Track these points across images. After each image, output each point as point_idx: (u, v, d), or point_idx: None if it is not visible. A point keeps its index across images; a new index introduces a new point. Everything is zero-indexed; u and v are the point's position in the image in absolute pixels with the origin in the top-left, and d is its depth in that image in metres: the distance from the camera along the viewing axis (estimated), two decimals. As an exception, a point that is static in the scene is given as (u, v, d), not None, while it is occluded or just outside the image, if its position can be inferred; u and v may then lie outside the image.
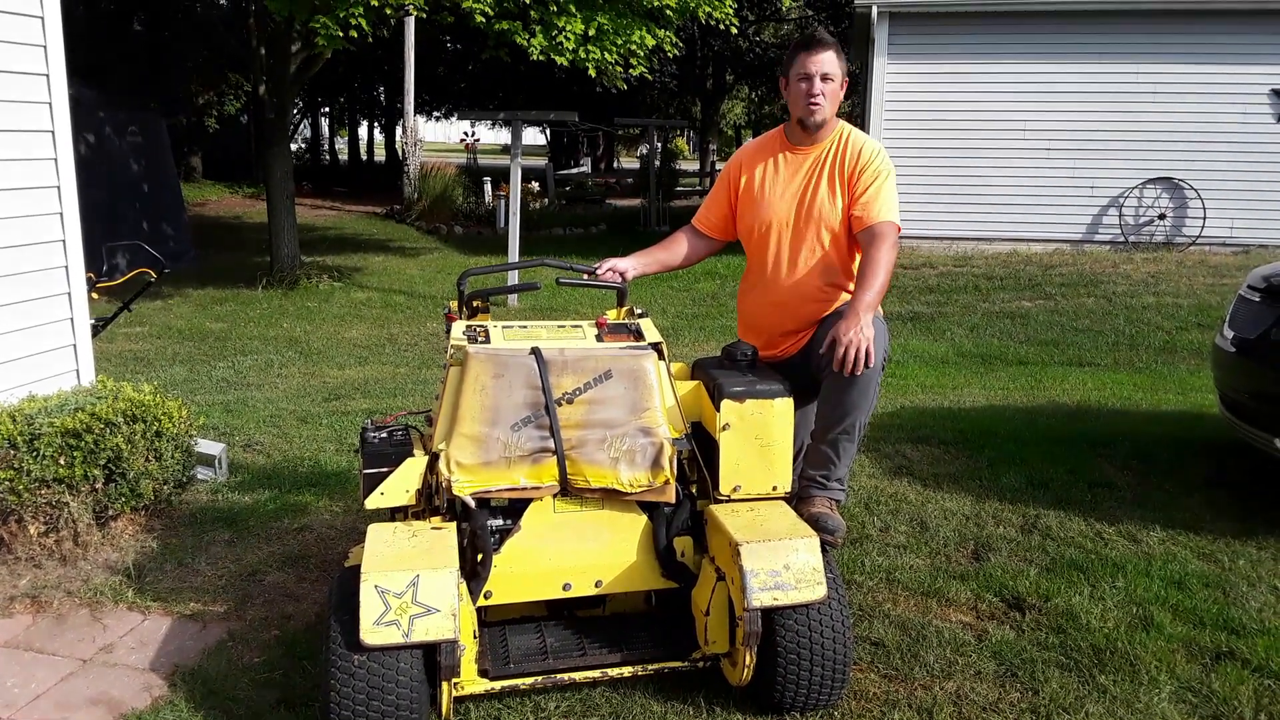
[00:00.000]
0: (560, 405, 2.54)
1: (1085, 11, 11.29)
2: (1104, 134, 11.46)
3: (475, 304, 3.06)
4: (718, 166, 28.45)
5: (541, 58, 10.21)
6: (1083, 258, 11.19)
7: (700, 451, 2.75)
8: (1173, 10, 11.11)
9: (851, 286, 3.05)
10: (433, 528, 2.49)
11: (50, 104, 4.10)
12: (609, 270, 3.13)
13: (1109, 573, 3.44)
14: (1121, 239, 11.64)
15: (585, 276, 3.17)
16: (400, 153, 21.34)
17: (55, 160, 4.14)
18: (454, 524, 2.51)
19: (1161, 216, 11.56)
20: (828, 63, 2.95)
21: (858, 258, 3.07)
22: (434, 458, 2.54)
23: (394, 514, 2.70)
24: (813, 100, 2.95)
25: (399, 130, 24.59)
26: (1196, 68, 11.18)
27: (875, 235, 2.93)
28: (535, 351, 2.60)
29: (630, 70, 11.08)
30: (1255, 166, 11.22)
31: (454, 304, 3.05)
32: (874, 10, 11.36)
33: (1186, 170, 11.38)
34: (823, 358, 2.85)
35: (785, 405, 2.69)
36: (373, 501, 2.56)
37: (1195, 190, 11.38)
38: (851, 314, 2.77)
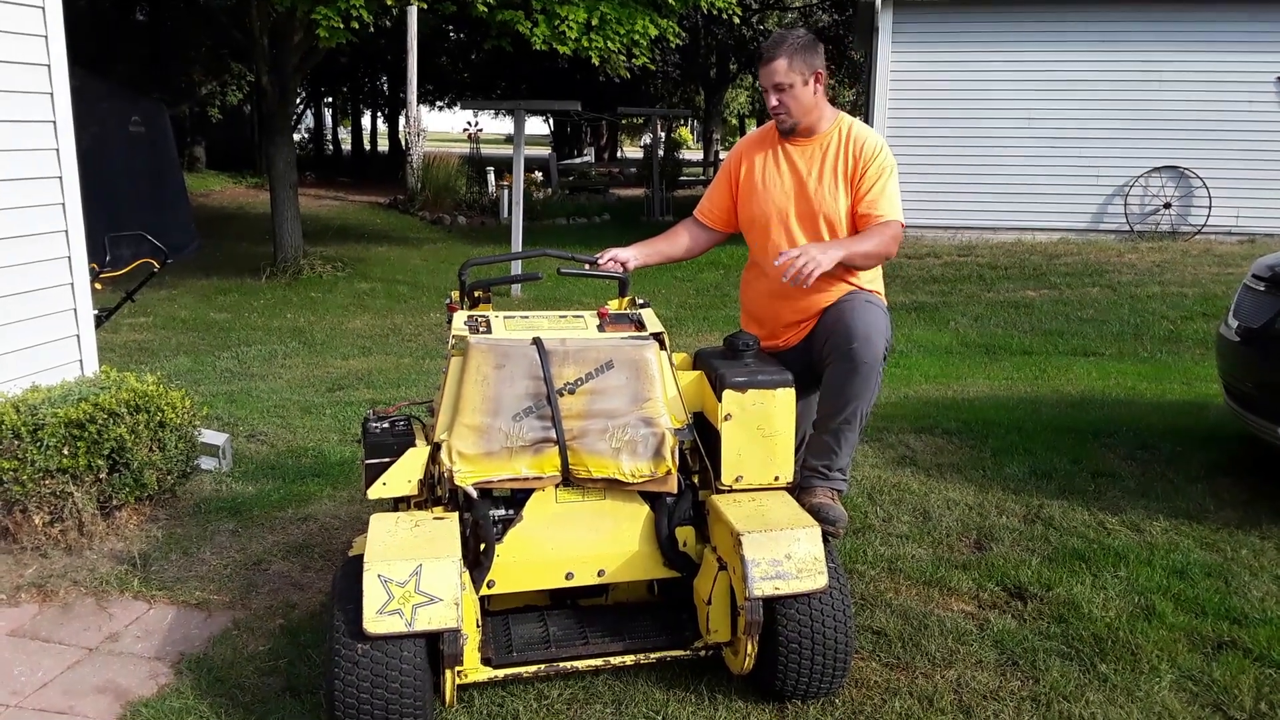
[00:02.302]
0: (562, 395, 2.55)
1: (1091, -1, 11.25)
2: (1109, 122, 11.41)
3: (477, 294, 3.06)
4: (721, 156, 28.34)
5: (544, 47, 10.18)
6: (1088, 247, 11.16)
7: (702, 441, 2.76)
8: (1179, -2, 11.07)
9: (852, 278, 3.05)
10: (435, 517, 2.50)
11: (52, 94, 4.10)
12: (610, 260, 3.13)
13: (1111, 562, 3.44)
14: (1127, 228, 11.60)
15: (587, 267, 3.16)
16: (403, 143, 21.32)
17: (57, 150, 4.14)
18: (456, 514, 2.52)
19: (1167, 205, 11.52)
20: (777, 73, 2.95)
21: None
22: (436, 448, 2.54)
23: (396, 504, 2.71)
24: (774, 112, 3.01)
25: (402, 120, 24.58)
26: (1203, 56, 11.12)
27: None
28: (537, 342, 2.60)
29: (633, 60, 11.04)
30: (1261, 155, 11.17)
31: (456, 294, 3.05)
32: (878, -2, 11.32)
33: (1192, 159, 11.33)
34: (825, 346, 2.85)
35: (787, 395, 2.69)
36: (375, 491, 2.57)
37: (1201, 179, 11.34)
38: (824, 244, 2.81)
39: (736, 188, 3.17)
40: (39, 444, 3.40)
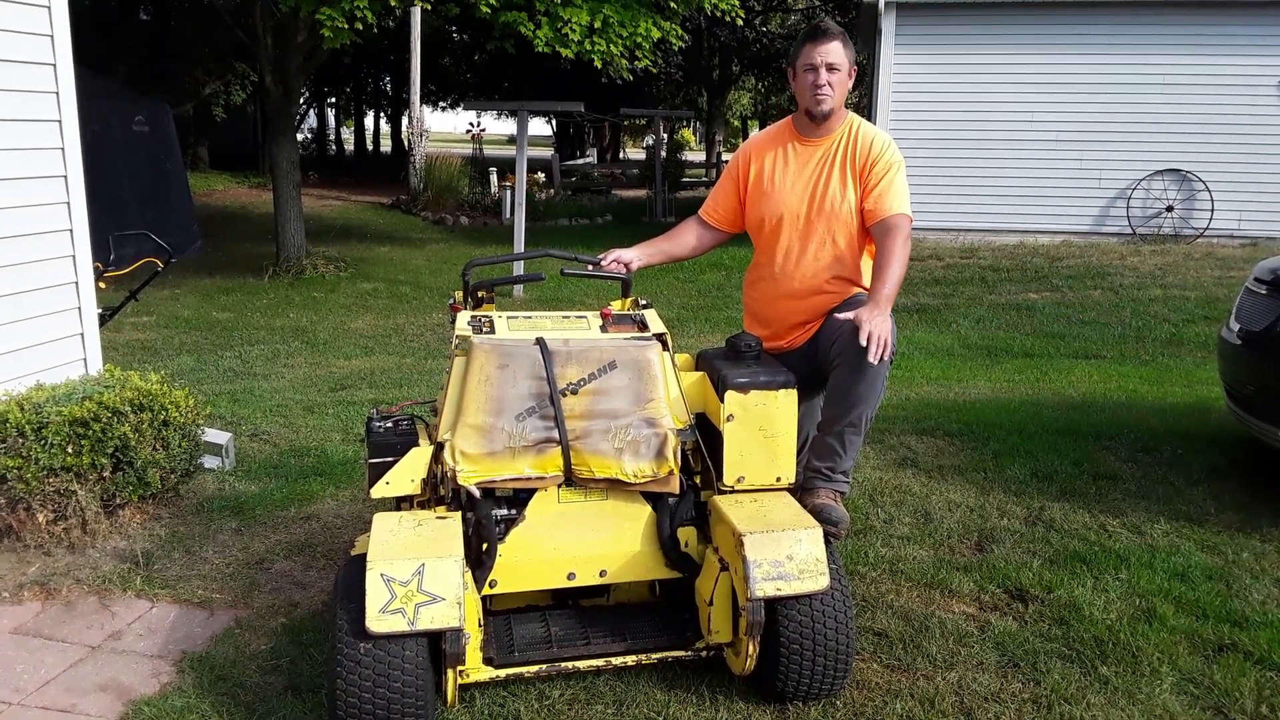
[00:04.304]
0: (565, 396, 2.55)
1: (1093, 3, 11.25)
2: (1112, 125, 11.42)
3: (480, 294, 3.07)
4: (724, 157, 28.36)
5: (547, 49, 10.19)
6: (1090, 250, 11.16)
7: (704, 442, 2.76)
8: (1181, 2, 11.06)
9: (861, 279, 3.05)
10: (438, 517, 2.50)
11: (57, 93, 4.11)
12: (613, 261, 3.13)
13: (1112, 564, 3.44)
14: (1129, 231, 11.60)
15: (589, 267, 3.17)
16: (406, 143, 21.36)
17: (62, 150, 4.16)
18: (459, 513, 2.53)
19: (1169, 208, 11.52)
20: (833, 52, 2.94)
21: (866, 250, 3.07)
22: (439, 447, 2.55)
23: (399, 503, 2.71)
24: (819, 90, 2.95)
25: (405, 120, 24.60)
26: (1205, 59, 11.13)
27: (889, 228, 2.92)
28: (540, 342, 2.61)
29: (636, 62, 11.05)
30: (1263, 158, 11.17)
31: (459, 294, 3.06)
32: (881, 1, 11.32)
33: (1194, 162, 11.33)
34: (831, 349, 2.85)
35: (789, 396, 2.69)
36: (378, 491, 2.58)
37: (1203, 182, 11.34)
38: (873, 303, 2.76)
39: (744, 188, 3.17)
40: (43, 442, 3.41)
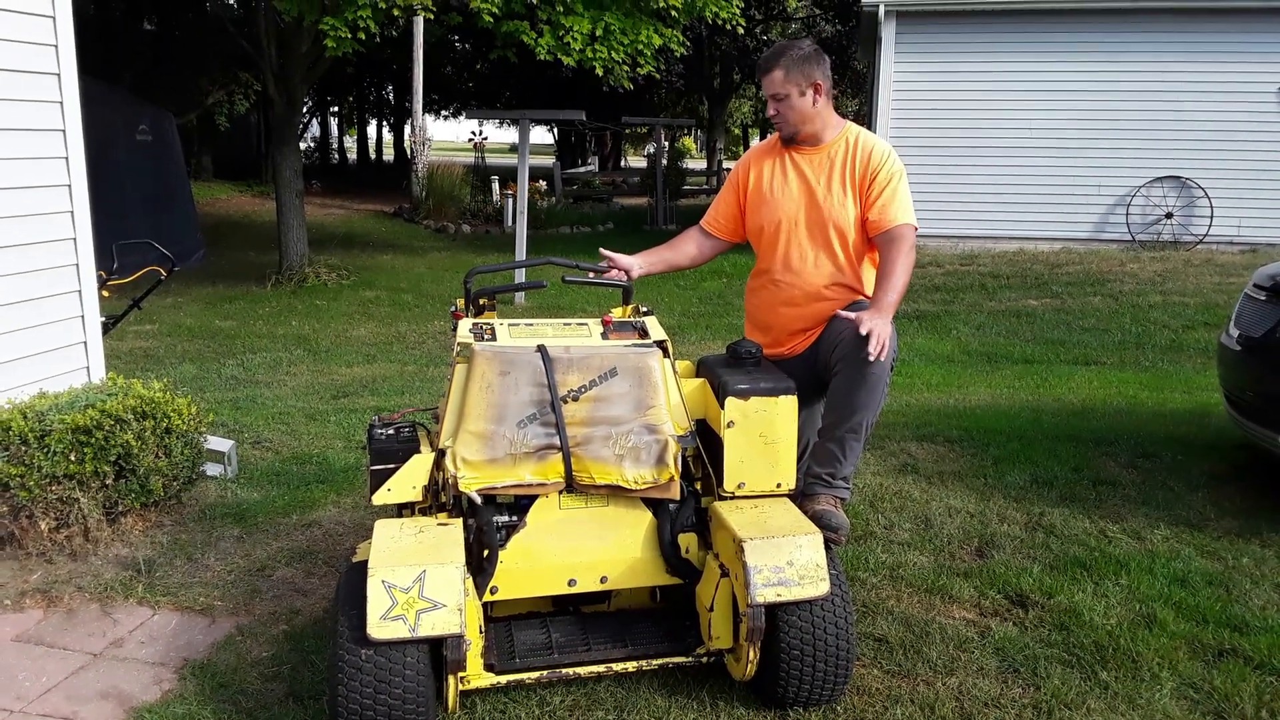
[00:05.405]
0: (566, 402, 2.56)
1: (1093, 10, 11.28)
2: (1111, 132, 11.44)
3: (482, 302, 3.09)
4: (725, 165, 28.37)
5: (549, 57, 10.23)
6: (1090, 256, 11.18)
7: (705, 448, 2.77)
8: (1181, 9, 11.09)
9: (863, 288, 3.06)
10: (439, 524, 2.51)
11: (61, 103, 4.13)
12: (614, 269, 3.14)
13: (1112, 570, 3.44)
14: (1129, 238, 11.61)
15: (591, 275, 3.18)
16: (408, 152, 21.40)
17: (66, 159, 4.18)
18: (460, 520, 2.54)
19: (1169, 215, 11.53)
20: (773, 83, 3.00)
21: (867, 259, 3.08)
22: (440, 454, 2.56)
23: (401, 510, 2.72)
24: (772, 120, 3.07)
25: (407, 129, 24.66)
26: (1204, 67, 11.15)
27: (893, 239, 2.94)
28: (541, 349, 2.62)
29: (637, 70, 11.09)
30: (1263, 165, 11.19)
31: (461, 302, 3.08)
32: (881, 9, 11.37)
33: (1194, 169, 11.35)
34: (833, 355, 2.86)
35: (789, 403, 2.70)
36: (380, 498, 2.59)
37: (1203, 189, 11.35)
38: (875, 308, 2.78)
39: (744, 197, 3.19)
40: (46, 450, 3.42)
